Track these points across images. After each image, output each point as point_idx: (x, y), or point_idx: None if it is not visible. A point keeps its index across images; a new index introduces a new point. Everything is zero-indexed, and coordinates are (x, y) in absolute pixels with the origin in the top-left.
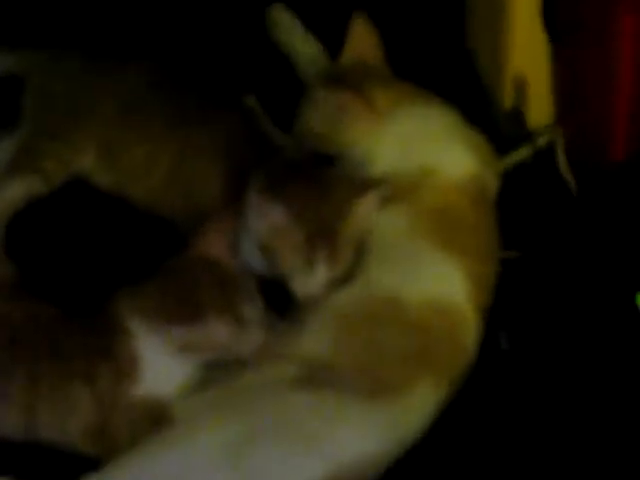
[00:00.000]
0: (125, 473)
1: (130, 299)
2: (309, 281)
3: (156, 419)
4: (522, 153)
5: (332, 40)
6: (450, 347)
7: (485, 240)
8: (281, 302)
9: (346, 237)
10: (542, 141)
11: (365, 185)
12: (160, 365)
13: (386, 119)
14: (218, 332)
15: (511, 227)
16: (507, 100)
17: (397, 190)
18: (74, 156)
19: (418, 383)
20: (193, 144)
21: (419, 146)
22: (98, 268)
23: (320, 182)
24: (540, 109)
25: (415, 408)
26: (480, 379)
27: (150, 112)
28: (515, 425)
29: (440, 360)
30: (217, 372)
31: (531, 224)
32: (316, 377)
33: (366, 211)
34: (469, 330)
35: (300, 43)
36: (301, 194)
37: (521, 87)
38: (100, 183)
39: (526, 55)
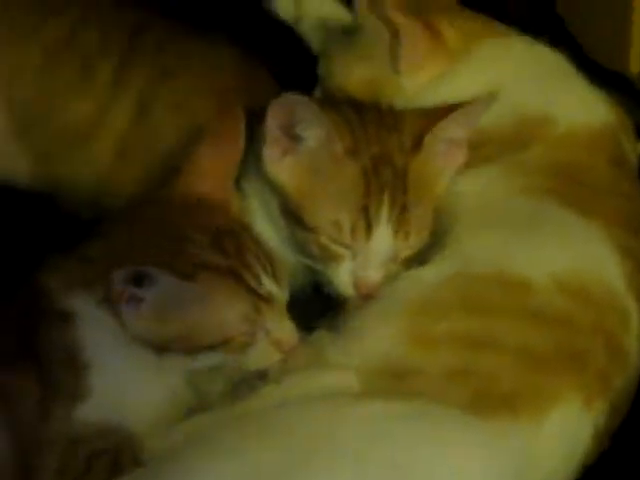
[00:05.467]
0: None
1: (65, 268)
2: (367, 256)
3: (115, 460)
4: None
5: None
6: (602, 348)
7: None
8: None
9: (422, 186)
10: None
11: (441, 111)
12: (120, 370)
13: (461, 57)
14: (221, 307)
15: None
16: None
17: (487, 146)
18: None
19: (553, 396)
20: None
21: (519, 90)
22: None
23: (378, 109)
24: None
25: (551, 433)
26: None
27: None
28: None
29: (587, 366)
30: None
31: None
32: (387, 388)
33: (446, 150)
34: (630, 326)
35: None
36: (353, 115)
37: None
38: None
39: None
